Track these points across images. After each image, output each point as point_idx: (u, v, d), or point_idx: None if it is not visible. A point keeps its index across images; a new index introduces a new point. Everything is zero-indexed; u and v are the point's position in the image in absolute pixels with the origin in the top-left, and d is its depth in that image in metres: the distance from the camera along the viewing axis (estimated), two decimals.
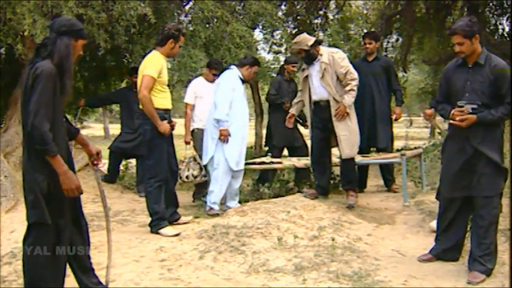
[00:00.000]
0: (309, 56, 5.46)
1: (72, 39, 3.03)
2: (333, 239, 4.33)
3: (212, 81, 6.68)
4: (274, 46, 10.78)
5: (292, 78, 7.51)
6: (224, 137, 5.47)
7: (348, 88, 5.35)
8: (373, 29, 9.93)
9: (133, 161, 8.39)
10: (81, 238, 3.21)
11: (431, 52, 12.44)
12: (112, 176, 7.62)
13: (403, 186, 5.68)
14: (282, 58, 11.55)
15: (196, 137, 6.61)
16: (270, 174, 6.95)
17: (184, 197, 7.01)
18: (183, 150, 6.66)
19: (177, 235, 4.69)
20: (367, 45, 6.65)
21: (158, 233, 4.77)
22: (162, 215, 4.85)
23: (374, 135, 6.43)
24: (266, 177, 6.87)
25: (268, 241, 4.37)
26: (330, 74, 5.37)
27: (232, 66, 5.84)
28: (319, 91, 5.47)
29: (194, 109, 6.63)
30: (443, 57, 11.74)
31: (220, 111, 5.50)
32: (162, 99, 4.86)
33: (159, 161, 4.85)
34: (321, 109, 5.49)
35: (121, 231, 4.91)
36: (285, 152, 7.47)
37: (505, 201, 4.11)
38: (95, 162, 3.35)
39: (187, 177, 6.30)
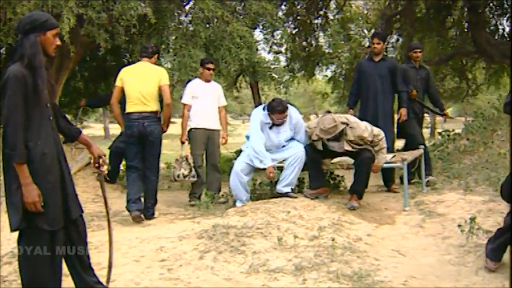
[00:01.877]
0: None
1: (40, 34, 2.92)
2: (333, 239, 4.33)
3: (208, 81, 6.70)
4: (274, 46, 10.78)
5: (421, 65, 7.24)
6: None
7: (377, 148, 5.56)
8: (373, 30, 9.93)
9: None
10: (79, 237, 3.17)
11: (431, 53, 12.45)
12: (112, 176, 7.62)
13: (404, 191, 5.67)
14: (282, 58, 11.60)
15: (193, 137, 6.61)
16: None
17: (184, 196, 7.03)
18: (180, 150, 6.68)
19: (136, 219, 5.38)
20: (375, 45, 6.63)
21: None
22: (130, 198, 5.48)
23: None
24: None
25: (268, 241, 4.36)
26: None
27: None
28: None
29: (191, 110, 6.64)
30: (443, 58, 11.78)
31: None
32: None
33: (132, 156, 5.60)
34: None
35: (121, 231, 4.91)
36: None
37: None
38: (98, 165, 3.33)
39: (178, 176, 6.36)
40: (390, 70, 6.65)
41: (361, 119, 5.70)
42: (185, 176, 6.35)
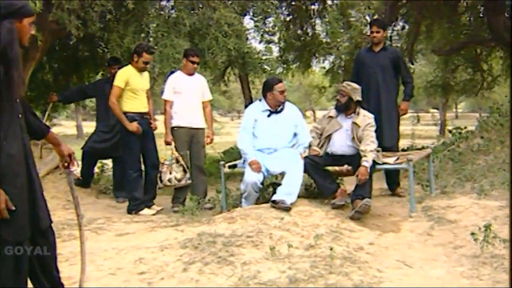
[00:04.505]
0: None
1: (15, 21, 2.86)
2: (331, 249, 4.34)
3: (192, 74, 6.70)
4: (266, 35, 10.80)
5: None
6: None
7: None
8: (376, 16, 9.94)
9: (109, 163, 8.37)
10: (48, 250, 3.13)
11: (441, 41, 12.44)
12: (86, 180, 7.60)
13: (411, 194, 5.70)
14: (275, 49, 11.61)
15: (176, 136, 6.62)
16: None
17: (166, 202, 7.02)
18: (163, 151, 6.68)
19: (154, 214, 6.37)
20: (375, 34, 6.63)
21: (138, 214, 6.31)
22: (141, 201, 6.46)
23: (380, 133, 6.45)
24: None
25: (259, 251, 4.37)
26: None
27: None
28: None
29: (173, 106, 6.64)
30: (455, 46, 11.78)
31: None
32: (133, 104, 6.47)
33: (134, 155, 6.46)
34: None
35: (95, 241, 4.91)
36: None
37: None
38: (67, 165, 3.31)
39: (169, 180, 6.35)
40: (393, 61, 6.66)
41: None
42: (179, 180, 6.37)
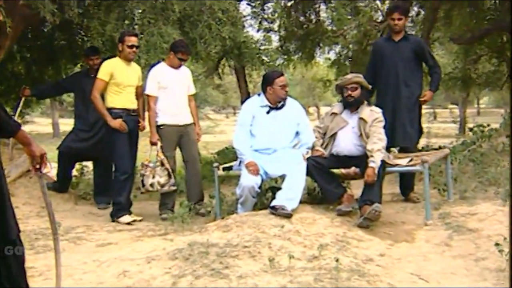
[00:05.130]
0: None
1: None
2: (337, 260, 4.36)
3: (177, 67, 6.71)
4: (265, 23, 10.83)
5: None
6: None
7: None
8: (387, 0, 9.94)
9: (89, 165, 8.37)
10: (17, 264, 3.11)
11: (461, 28, 12.42)
12: (62, 184, 7.60)
13: (426, 200, 5.71)
14: (274, 38, 11.63)
15: (163, 135, 6.64)
16: None
17: (153, 208, 7.04)
18: (148, 152, 6.69)
19: (131, 222, 6.30)
20: (396, 22, 6.59)
21: (117, 222, 6.33)
22: (124, 206, 6.45)
23: (396, 132, 6.47)
24: None
25: (257, 263, 4.39)
26: None
27: None
28: None
29: (158, 102, 6.66)
30: (477, 34, 11.74)
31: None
32: (117, 99, 6.48)
33: (121, 155, 6.45)
34: None
35: (74, 252, 4.92)
36: None
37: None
38: (38, 167, 3.32)
39: (151, 185, 6.39)
40: (415, 51, 6.64)
41: None
42: (162, 185, 6.40)
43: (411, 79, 6.62)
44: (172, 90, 6.67)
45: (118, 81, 6.45)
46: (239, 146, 5.94)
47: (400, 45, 6.63)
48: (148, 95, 6.72)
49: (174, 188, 6.55)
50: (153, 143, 6.67)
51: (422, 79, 6.81)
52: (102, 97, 6.48)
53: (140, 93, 6.77)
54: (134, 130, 6.61)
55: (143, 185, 6.49)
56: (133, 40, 6.47)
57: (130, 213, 6.52)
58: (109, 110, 6.42)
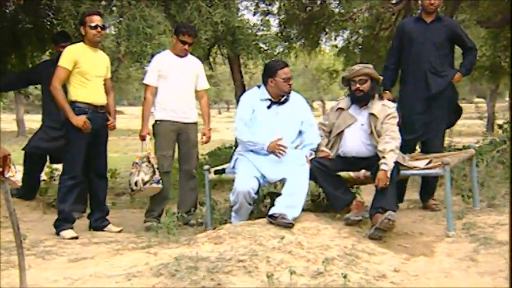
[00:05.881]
0: None
1: None
2: (345, 276, 4.37)
3: (183, 55, 6.72)
4: (263, 5, 10.84)
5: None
6: None
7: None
8: None
9: (60, 168, 8.36)
10: None
11: (490, 9, 12.36)
12: (29, 190, 7.60)
13: (448, 208, 5.70)
14: (274, 22, 11.63)
15: (158, 132, 6.66)
16: None
17: (134, 216, 7.05)
18: (139, 151, 6.69)
19: (75, 238, 6.14)
20: (432, 1, 6.51)
21: (58, 235, 6.22)
22: (67, 216, 6.35)
23: (428, 125, 6.51)
24: None
25: (253, 279, 4.40)
26: None
27: None
28: None
29: (158, 94, 6.67)
30: (508, 16, 11.70)
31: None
32: (83, 92, 6.36)
33: (74, 158, 6.40)
34: None
35: (42, 269, 4.92)
36: None
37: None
38: (1, 170, 3.32)
39: (136, 183, 6.36)
40: (449, 36, 6.60)
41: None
42: (145, 183, 6.39)
43: (443, 67, 6.59)
44: (173, 81, 6.69)
45: (83, 70, 6.33)
46: (246, 138, 5.94)
47: (433, 27, 6.58)
48: (145, 85, 6.76)
49: (158, 185, 6.49)
50: (142, 138, 6.73)
51: (455, 68, 6.72)
52: (65, 89, 6.37)
53: (109, 86, 6.74)
54: (101, 129, 6.55)
55: (129, 185, 6.49)
56: (96, 19, 6.36)
57: (105, 224, 6.64)
58: (72, 104, 6.31)
